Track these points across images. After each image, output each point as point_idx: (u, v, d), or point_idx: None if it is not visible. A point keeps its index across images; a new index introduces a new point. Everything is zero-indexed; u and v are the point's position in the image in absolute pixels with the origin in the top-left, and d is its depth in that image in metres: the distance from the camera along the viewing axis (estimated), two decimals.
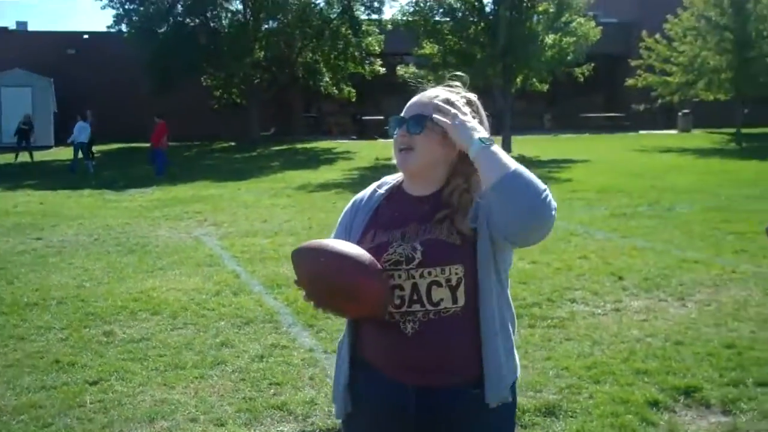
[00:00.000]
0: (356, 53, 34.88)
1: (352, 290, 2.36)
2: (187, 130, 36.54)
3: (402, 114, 2.54)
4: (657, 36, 33.46)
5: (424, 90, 2.61)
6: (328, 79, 35.45)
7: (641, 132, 38.59)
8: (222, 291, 8.50)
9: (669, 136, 36.95)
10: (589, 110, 42.55)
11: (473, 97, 2.61)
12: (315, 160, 28.33)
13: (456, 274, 2.42)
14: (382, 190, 2.67)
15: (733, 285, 8.36)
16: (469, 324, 2.44)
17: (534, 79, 28.67)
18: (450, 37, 28.59)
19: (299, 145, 34.21)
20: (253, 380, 5.79)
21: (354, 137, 37.57)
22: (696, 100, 34.74)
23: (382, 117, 38.49)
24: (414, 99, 2.56)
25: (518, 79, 28.25)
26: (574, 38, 27.90)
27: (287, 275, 9.21)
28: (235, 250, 11.04)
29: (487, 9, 28.68)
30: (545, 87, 29.53)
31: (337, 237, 2.67)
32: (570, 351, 6.24)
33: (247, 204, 16.39)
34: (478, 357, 2.44)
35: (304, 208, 15.65)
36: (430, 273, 2.42)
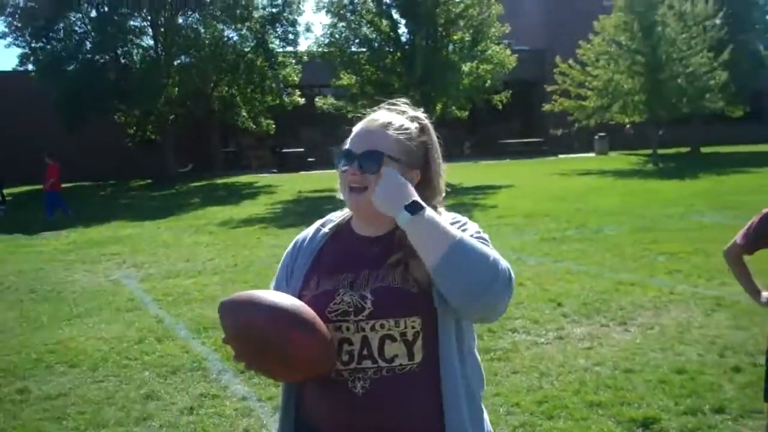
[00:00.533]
0: (273, 85, 34.48)
1: (282, 348, 2.03)
2: (101, 168, 35.61)
3: (348, 145, 2.21)
4: (570, 61, 34.04)
5: (362, 117, 2.28)
6: (245, 114, 34.95)
7: (560, 156, 39.07)
8: (145, 338, 7.99)
9: (587, 159, 37.47)
10: (507, 136, 42.95)
11: (423, 117, 2.31)
12: (236, 195, 27.74)
13: (412, 327, 2.11)
14: (326, 229, 2.36)
15: (673, 307, 8.24)
16: (428, 383, 2.13)
17: (453, 107, 28.72)
18: (367, 67, 28.55)
19: (219, 181, 33.55)
20: None
21: (275, 170, 37.08)
22: (612, 123, 35.34)
23: (302, 149, 38.18)
24: (362, 126, 2.23)
25: (438, 107, 28.26)
26: (491, 66, 28.12)
27: (214, 318, 8.75)
28: (158, 293, 10.50)
29: (403, 39, 28.72)
30: (465, 114, 29.65)
31: (278, 282, 2.37)
32: (518, 385, 5.96)
33: (167, 243, 15.80)
34: (439, 421, 2.13)
35: (227, 245, 15.14)
36: (382, 326, 2.11)
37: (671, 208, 17.01)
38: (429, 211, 2.04)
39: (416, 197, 2.06)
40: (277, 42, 35.13)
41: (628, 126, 35.33)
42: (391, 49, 28.60)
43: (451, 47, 28.06)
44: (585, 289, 9.16)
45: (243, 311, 2.07)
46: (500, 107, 30.30)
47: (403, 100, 2.32)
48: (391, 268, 2.16)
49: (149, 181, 34.66)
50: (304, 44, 50.10)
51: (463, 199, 21.80)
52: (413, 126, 2.25)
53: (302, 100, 34.71)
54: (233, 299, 2.12)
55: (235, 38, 35.04)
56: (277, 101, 34.65)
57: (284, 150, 38.61)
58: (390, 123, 2.21)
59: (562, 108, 34.64)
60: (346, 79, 28.96)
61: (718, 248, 11.60)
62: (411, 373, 2.11)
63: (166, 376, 6.68)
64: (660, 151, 33.71)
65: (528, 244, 13.01)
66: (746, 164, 29.67)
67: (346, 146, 2.22)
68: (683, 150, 38.90)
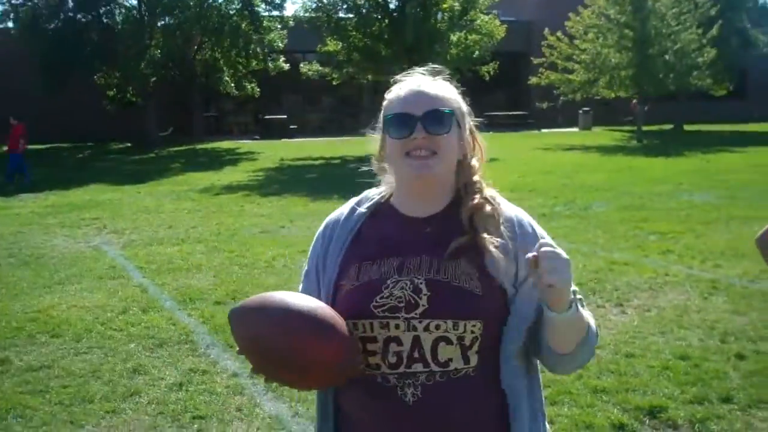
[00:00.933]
0: (258, 50, 33.94)
1: (297, 358, 1.79)
2: (80, 130, 35.08)
3: (401, 109, 1.96)
4: (559, 34, 33.69)
5: (401, 80, 2.04)
6: (227, 78, 34.39)
7: (543, 130, 38.89)
8: (129, 308, 7.76)
9: (571, 133, 37.34)
10: (491, 109, 42.57)
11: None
12: (217, 161, 27.40)
13: (472, 332, 1.86)
14: (363, 209, 2.08)
15: (669, 289, 8.11)
16: (485, 388, 1.90)
17: None
18: (354, 33, 28.06)
19: (199, 146, 33.15)
20: (172, 413, 5.14)
21: (256, 137, 36.67)
22: (598, 98, 35.07)
23: (285, 116, 37.78)
24: (411, 89, 1.98)
25: None
26: (480, 36, 27.77)
27: (199, 288, 8.56)
28: (140, 261, 10.25)
29: (392, 6, 28.25)
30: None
31: (308, 272, 2.11)
32: None
33: (148, 209, 15.50)
34: (499, 429, 1.92)
35: (210, 212, 14.89)
36: (438, 327, 1.86)
37: (659, 186, 16.89)
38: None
39: None
40: (263, 6, 34.52)
41: (634, 102, 34.91)
42: (380, 16, 28.09)
43: (440, 16, 27.61)
44: (578, 269, 8.97)
45: (252, 321, 1.84)
46: (488, 78, 29.96)
47: (423, 69, 2.08)
48: (452, 258, 1.91)
49: (128, 144, 34.19)
50: (291, 9, 49.41)
51: None
52: (454, 90, 2.04)
53: (287, 66, 34.20)
54: (242, 307, 1.89)
55: (221, 0, 34.44)
56: (262, 66, 34.12)
57: (266, 116, 38.19)
58: (438, 84, 2.01)
59: (549, 81, 34.35)
60: (332, 45, 28.49)
61: (709, 228, 11.63)
62: (467, 378, 1.88)
63: (152, 349, 6.46)
64: (643, 128, 33.59)
65: None
66: (730, 143, 29.63)
67: (397, 111, 1.96)
68: (666, 127, 38.81)
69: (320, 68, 29.75)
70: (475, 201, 1.96)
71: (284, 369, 1.82)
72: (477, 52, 27.75)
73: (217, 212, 14.81)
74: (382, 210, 2.07)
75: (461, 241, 1.91)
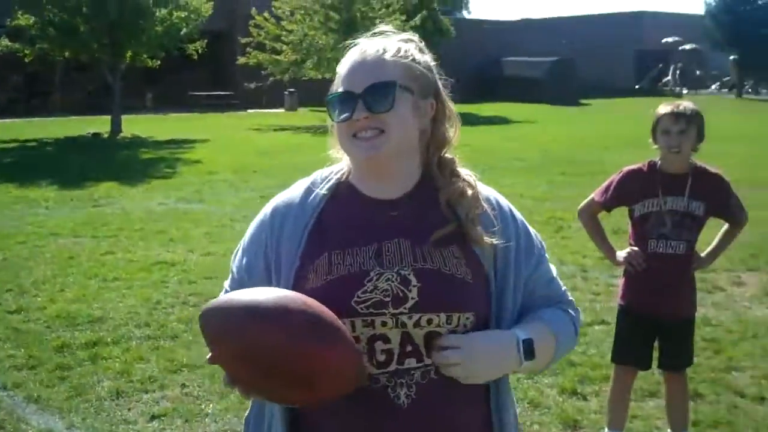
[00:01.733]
0: None
1: (303, 368, 1.52)
2: None
3: (341, 87, 1.73)
4: (266, 14, 33.55)
5: (353, 46, 1.80)
6: None
7: (249, 111, 38.69)
8: None
9: (277, 114, 37.43)
10: (192, 88, 41.63)
11: (416, 38, 1.85)
12: None
13: (465, 325, 1.69)
14: (322, 190, 1.81)
15: None
16: (476, 386, 1.74)
17: (144, 55, 27.19)
18: (50, 7, 25.98)
19: None
20: None
21: None
22: (304, 79, 35.26)
23: None
24: (352, 62, 1.75)
25: (128, 55, 26.59)
26: (186, 13, 26.94)
27: None
28: None
29: None
30: (157, 63, 28.19)
31: (248, 268, 1.82)
32: None
33: None
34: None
35: None
36: (429, 321, 1.67)
37: None
38: (532, 333, 1.73)
39: (517, 332, 1.73)
40: None
41: None
42: None
43: None
44: None
45: (243, 323, 1.53)
46: (196, 57, 29.13)
47: (385, 27, 1.86)
48: (438, 245, 1.71)
49: None
50: None
51: (161, 153, 20.81)
52: (411, 47, 1.80)
53: None
54: (218, 305, 1.59)
55: None
56: None
57: None
58: (385, 49, 1.76)
59: (257, 61, 34.13)
60: (24, 20, 26.15)
61: None
62: None
63: None
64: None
65: (249, 203, 12.57)
66: None
67: (340, 89, 1.74)
68: None
69: (9, 44, 27.25)
70: (455, 186, 1.77)
71: (284, 382, 1.54)
72: (184, 30, 26.89)
73: None
74: (342, 191, 1.82)
75: (445, 231, 1.73)
